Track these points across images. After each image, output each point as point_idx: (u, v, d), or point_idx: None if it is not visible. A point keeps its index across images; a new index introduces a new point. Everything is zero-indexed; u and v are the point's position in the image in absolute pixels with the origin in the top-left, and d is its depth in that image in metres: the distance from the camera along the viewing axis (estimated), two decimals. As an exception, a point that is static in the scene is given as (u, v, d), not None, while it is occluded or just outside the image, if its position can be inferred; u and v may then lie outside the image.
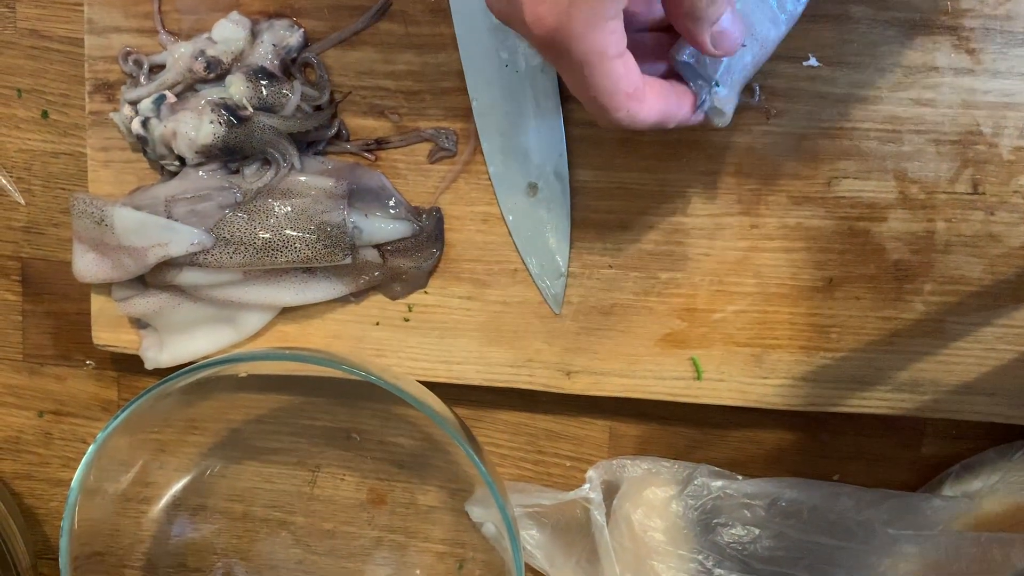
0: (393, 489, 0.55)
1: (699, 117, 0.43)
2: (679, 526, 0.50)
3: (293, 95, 0.48)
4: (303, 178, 0.49)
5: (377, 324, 0.52)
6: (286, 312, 0.52)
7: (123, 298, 0.51)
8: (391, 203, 0.50)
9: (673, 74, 0.43)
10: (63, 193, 0.54)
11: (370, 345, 0.52)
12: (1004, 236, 0.47)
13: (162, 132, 0.48)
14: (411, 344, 0.51)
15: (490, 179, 0.49)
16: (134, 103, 0.49)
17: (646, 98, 0.39)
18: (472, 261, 0.50)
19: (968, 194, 0.47)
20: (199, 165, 0.49)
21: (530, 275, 0.50)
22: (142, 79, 0.50)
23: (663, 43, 0.42)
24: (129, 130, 0.49)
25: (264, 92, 0.48)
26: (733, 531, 0.50)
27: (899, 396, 0.49)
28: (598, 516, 0.51)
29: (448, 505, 0.55)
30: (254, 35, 0.49)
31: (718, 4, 0.38)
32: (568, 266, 0.50)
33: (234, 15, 0.49)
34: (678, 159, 0.48)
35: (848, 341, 0.49)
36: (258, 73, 0.48)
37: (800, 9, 0.43)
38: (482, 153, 0.49)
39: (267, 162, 0.49)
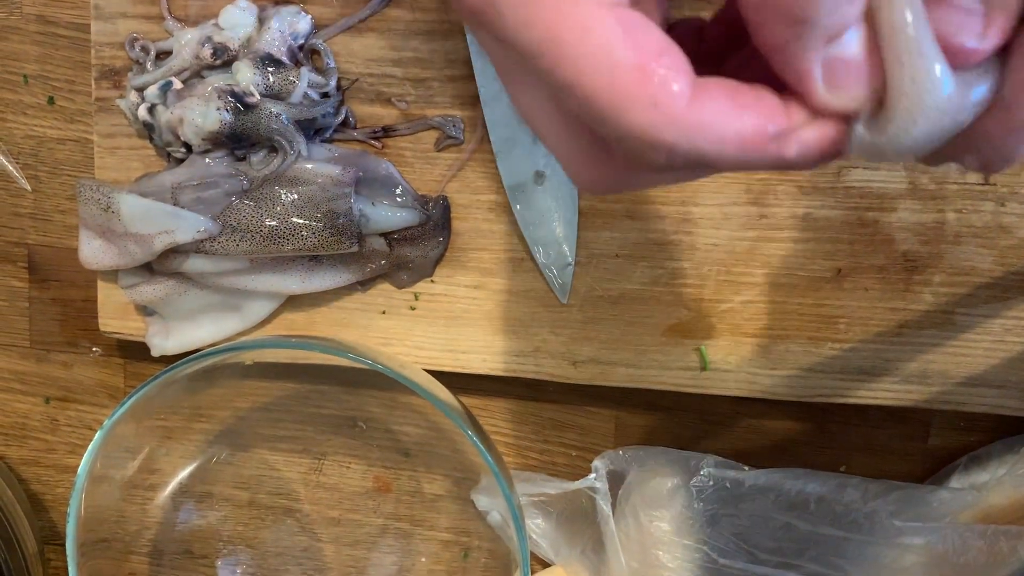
0: (399, 477, 0.55)
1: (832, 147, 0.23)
2: (685, 516, 0.50)
3: (300, 82, 0.48)
4: (310, 166, 0.49)
5: (383, 313, 0.51)
6: (292, 300, 0.52)
7: (129, 285, 0.51)
8: (398, 191, 0.49)
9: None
10: (69, 180, 0.54)
11: (376, 333, 0.52)
12: (1014, 227, 0.47)
13: (168, 119, 0.48)
14: (417, 333, 0.51)
15: (497, 167, 0.49)
16: (140, 89, 0.49)
17: (703, 97, 0.22)
18: (479, 250, 0.50)
19: (979, 185, 0.47)
20: (205, 152, 0.49)
21: (536, 264, 0.50)
22: (148, 65, 0.49)
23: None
24: (135, 117, 0.49)
25: (271, 79, 0.48)
26: (739, 522, 0.50)
27: (907, 388, 0.49)
28: (604, 506, 0.51)
29: (454, 494, 0.55)
30: (261, 21, 0.48)
31: (814, 9, 0.21)
32: (575, 255, 0.49)
33: (241, 1, 0.48)
34: (686, 148, 0.48)
35: (856, 332, 0.49)
36: (265, 60, 0.48)
37: None
38: (489, 141, 0.49)
39: (274, 149, 0.49)
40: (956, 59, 0.22)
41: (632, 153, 0.23)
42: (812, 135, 0.23)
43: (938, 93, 0.22)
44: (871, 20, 0.22)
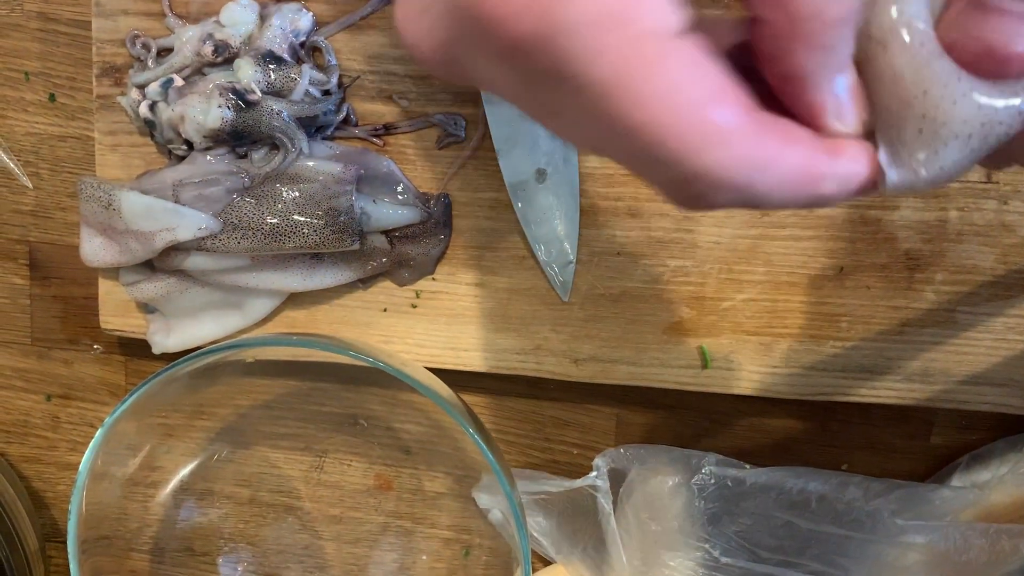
0: (400, 475, 0.55)
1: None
2: (686, 515, 0.50)
3: (301, 79, 0.48)
4: (311, 163, 0.48)
5: (384, 310, 0.51)
6: (293, 298, 0.52)
7: (130, 282, 0.51)
8: (399, 189, 0.49)
9: None
10: (70, 177, 0.54)
11: (377, 331, 0.52)
12: (1017, 226, 0.47)
13: (170, 116, 0.48)
14: (418, 331, 0.51)
15: (498, 165, 0.49)
16: (142, 87, 0.49)
17: (764, 134, 0.21)
18: (480, 248, 0.50)
19: (981, 183, 0.47)
20: (207, 149, 0.49)
21: (538, 262, 0.50)
22: (150, 62, 0.49)
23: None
24: (137, 114, 0.49)
25: (272, 76, 0.48)
26: (740, 520, 0.50)
27: (909, 386, 0.49)
28: (605, 504, 0.51)
29: (455, 491, 0.55)
30: (262, 18, 0.48)
31: (837, 38, 0.21)
32: (576, 253, 0.49)
33: (242, -2, 0.48)
34: (688, 146, 0.48)
35: (858, 330, 0.49)
36: (266, 57, 0.48)
37: None
38: (491, 139, 0.49)
39: (275, 147, 0.49)
40: (1010, 66, 0.22)
41: (694, 194, 0.22)
42: (850, 168, 0.23)
43: (959, 120, 0.22)
44: (863, 62, 0.23)
